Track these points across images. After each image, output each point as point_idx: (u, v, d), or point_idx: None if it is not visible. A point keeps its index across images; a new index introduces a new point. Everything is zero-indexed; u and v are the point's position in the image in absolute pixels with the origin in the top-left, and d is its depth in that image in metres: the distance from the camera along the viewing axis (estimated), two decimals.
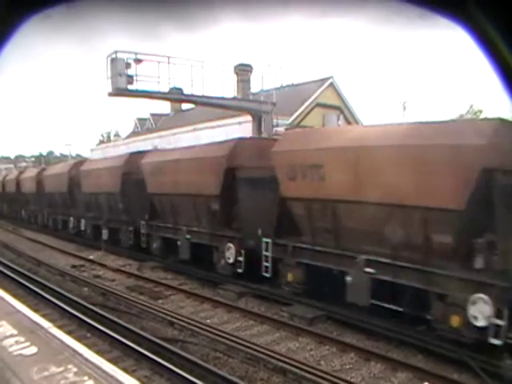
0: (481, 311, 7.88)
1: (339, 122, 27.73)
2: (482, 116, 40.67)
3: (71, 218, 26.62)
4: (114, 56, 16.76)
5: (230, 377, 7.75)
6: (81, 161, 28.17)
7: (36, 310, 10.41)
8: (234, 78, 21.14)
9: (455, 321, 8.29)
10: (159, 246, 18.00)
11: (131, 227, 19.88)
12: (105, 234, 21.90)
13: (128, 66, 16.84)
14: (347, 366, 8.64)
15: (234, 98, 20.53)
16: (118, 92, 17.18)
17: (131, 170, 19.60)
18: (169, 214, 17.24)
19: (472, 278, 8.20)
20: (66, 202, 27.23)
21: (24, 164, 78.58)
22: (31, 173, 35.85)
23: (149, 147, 25.68)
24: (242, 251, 13.47)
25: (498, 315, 7.69)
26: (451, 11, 1.50)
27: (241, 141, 15.03)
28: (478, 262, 8.34)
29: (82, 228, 25.02)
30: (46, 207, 30.62)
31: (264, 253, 12.70)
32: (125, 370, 7.11)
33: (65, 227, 27.68)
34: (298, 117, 26.77)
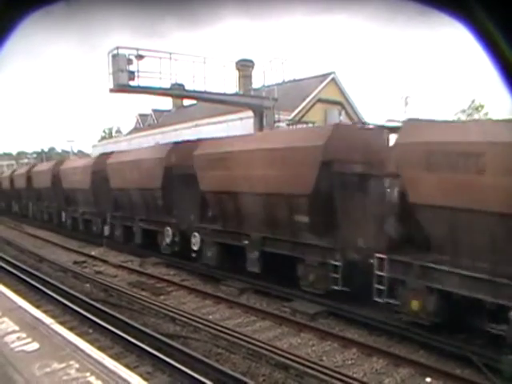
0: None
1: (341, 118, 27.67)
2: (483, 111, 40.62)
3: (168, 230, 16.94)
4: (115, 52, 16.74)
5: (232, 372, 7.74)
6: (186, 142, 17.74)
7: (38, 306, 10.42)
8: (236, 73, 21.13)
9: None
10: (435, 305, 9.01)
11: (338, 259, 10.97)
12: (107, 230, 21.89)
13: (129, 62, 16.84)
14: (349, 362, 8.64)
15: (236, 94, 20.53)
16: (120, 88, 17.17)
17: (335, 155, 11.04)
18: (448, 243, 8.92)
19: None
20: (155, 203, 18.07)
21: (26, 160, 78.53)
22: (81, 162, 26.39)
23: (151, 143, 25.66)
24: None
25: None
26: (451, 8, 1.49)
27: None
28: None
29: (195, 247, 15.55)
30: (111, 211, 21.49)
31: None
32: (127, 365, 7.12)
33: (149, 239, 18.23)
34: (299, 112, 26.70)
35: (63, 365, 6.11)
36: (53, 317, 9.31)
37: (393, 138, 10.91)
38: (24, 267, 16.68)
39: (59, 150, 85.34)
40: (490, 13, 1.39)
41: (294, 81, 28.81)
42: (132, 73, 16.89)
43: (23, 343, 6.94)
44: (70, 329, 8.74)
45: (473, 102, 42.87)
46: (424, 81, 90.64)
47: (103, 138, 71.05)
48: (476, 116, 39.99)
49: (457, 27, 1.48)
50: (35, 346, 6.85)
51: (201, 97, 20.05)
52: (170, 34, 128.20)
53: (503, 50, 1.40)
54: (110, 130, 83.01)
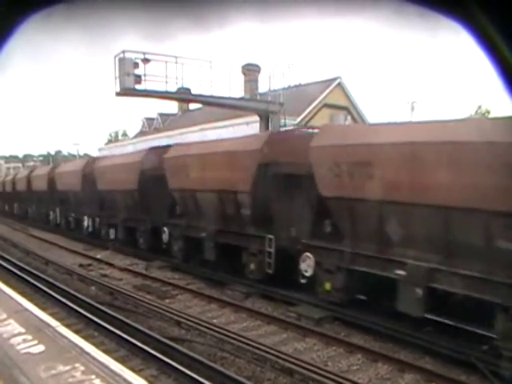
0: None
1: (346, 123, 27.67)
2: (489, 117, 40.45)
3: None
4: (121, 56, 16.80)
5: (237, 377, 7.75)
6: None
7: (44, 309, 10.44)
8: (242, 77, 21.15)
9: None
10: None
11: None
12: (112, 233, 21.97)
13: (136, 65, 16.88)
14: (354, 367, 8.61)
15: (242, 98, 20.53)
16: (126, 92, 17.21)
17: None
18: None
19: None
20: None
21: (32, 163, 78.90)
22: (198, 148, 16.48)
23: None
24: None
25: None
26: (452, 11, 1.49)
27: None
28: None
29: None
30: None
31: None
32: (132, 369, 7.12)
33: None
34: (305, 117, 26.74)
35: (68, 367, 6.13)
36: (58, 319, 9.30)
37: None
38: (30, 269, 16.75)
39: (65, 153, 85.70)
40: (491, 16, 1.40)
41: (300, 85, 28.85)
42: (138, 76, 16.93)
43: (29, 345, 6.96)
44: (76, 331, 8.75)
45: (479, 107, 42.74)
46: (431, 85, 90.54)
47: (109, 142, 71.27)
48: None
49: (458, 31, 1.49)
50: (41, 348, 6.87)
51: (207, 101, 20.06)
52: (179, 36, 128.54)
53: (504, 53, 1.41)
54: (117, 133, 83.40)
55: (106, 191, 22.38)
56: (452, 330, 8.97)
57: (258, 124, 20.44)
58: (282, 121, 19.92)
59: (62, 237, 26.76)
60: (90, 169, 24.75)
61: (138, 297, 13.18)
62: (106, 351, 8.02)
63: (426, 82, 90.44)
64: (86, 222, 25.27)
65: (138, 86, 17.03)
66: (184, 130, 31.39)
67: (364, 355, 9.04)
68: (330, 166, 10.57)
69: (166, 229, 17.66)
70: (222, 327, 10.42)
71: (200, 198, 15.51)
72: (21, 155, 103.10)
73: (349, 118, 28.62)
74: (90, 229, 24.98)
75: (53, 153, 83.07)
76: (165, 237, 17.72)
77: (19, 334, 7.50)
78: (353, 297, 10.85)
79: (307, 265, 11.47)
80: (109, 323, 10.44)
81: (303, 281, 11.64)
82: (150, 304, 12.39)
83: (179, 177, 16.09)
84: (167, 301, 13.08)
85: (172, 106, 47.64)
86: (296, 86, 27.53)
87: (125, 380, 5.84)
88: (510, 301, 7.66)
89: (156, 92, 17.83)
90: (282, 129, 19.44)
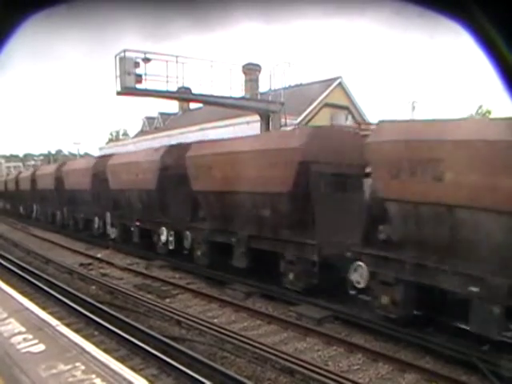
0: None
1: (347, 123, 27.67)
2: (490, 117, 40.37)
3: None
4: (122, 55, 16.81)
5: (237, 376, 7.74)
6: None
7: (44, 308, 10.45)
8: (243, 77, 21.16)
9: None
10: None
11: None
12: (113, 232, 21.95)
13: (136, 65, 16.89)
14: (355, 367, 8.60)
15: (242, 98, 20.52)
16: (127, 91, 17.22)
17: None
18: None
19: None
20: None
21: (32, 162, 78.90)
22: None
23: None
24: None
25: None
26: (452, 11, 1.49)
27: None
28: None
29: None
30: None
31: None
32: (132, 368, 7.11)
33: None
34: (306, 116, 26.73)
35: (69, 366, 6.12)
36: (59, 318, 9.32)
37: None
38: (31, 269, 16.76)
39: (66, 153, 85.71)
40: (491, 16, 1.40)
41: (301, 85, 28.88)
42: (139, 76, 16.94)
43: (29, 344, 6.96)
44: (76, 331, 8.75)
45: (480, 107, 42.66)
46: (432, 85, 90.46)
47: (110, 141, 71.25)
48: None
49: (458, 31, 1.49)
50: (41, 347, 6.87)
51: (207, 100, 20.07)
52: (181, 36, 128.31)
53: (504, 53, 1.41)
54: (117, 132, 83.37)
55: (208, 193, 15.25)
56: (452, 329, 9.00)
57: (258, 123, 20.45)
58: (283, 120, 19.92)
59: (63, 236, 26.78)
60: (173, 159, 17.46)
61: (138, 296, 13.18)
62: (107, 350, 8.03)
63: (426, 82, 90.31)
64: (165, 235, 17.66)
65: (138, 86, 17.05)
66: (184, 130, 31.40)
67: (365, 355, 9.04)
68: None
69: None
70: (223, 327, 10.42)
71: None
72: (21, 154, 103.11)
73: (349, 117, 28.63)
74: (172, 246, 17.51)
75: (53, 152, 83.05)
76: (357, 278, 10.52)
77: (19, 333, 7.49)
78: None
79: None
80: (109, 322, 10.44)
81: None
82: (150, 303, 12.39)
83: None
84: (167, 300, 13.08)
85: (173, 106, 47.75)
86: (297, 86, 27.58)
87: (125, 379, 5.84)
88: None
89: (157, 91, 17.84)
90: (282, 128, 19.39)
